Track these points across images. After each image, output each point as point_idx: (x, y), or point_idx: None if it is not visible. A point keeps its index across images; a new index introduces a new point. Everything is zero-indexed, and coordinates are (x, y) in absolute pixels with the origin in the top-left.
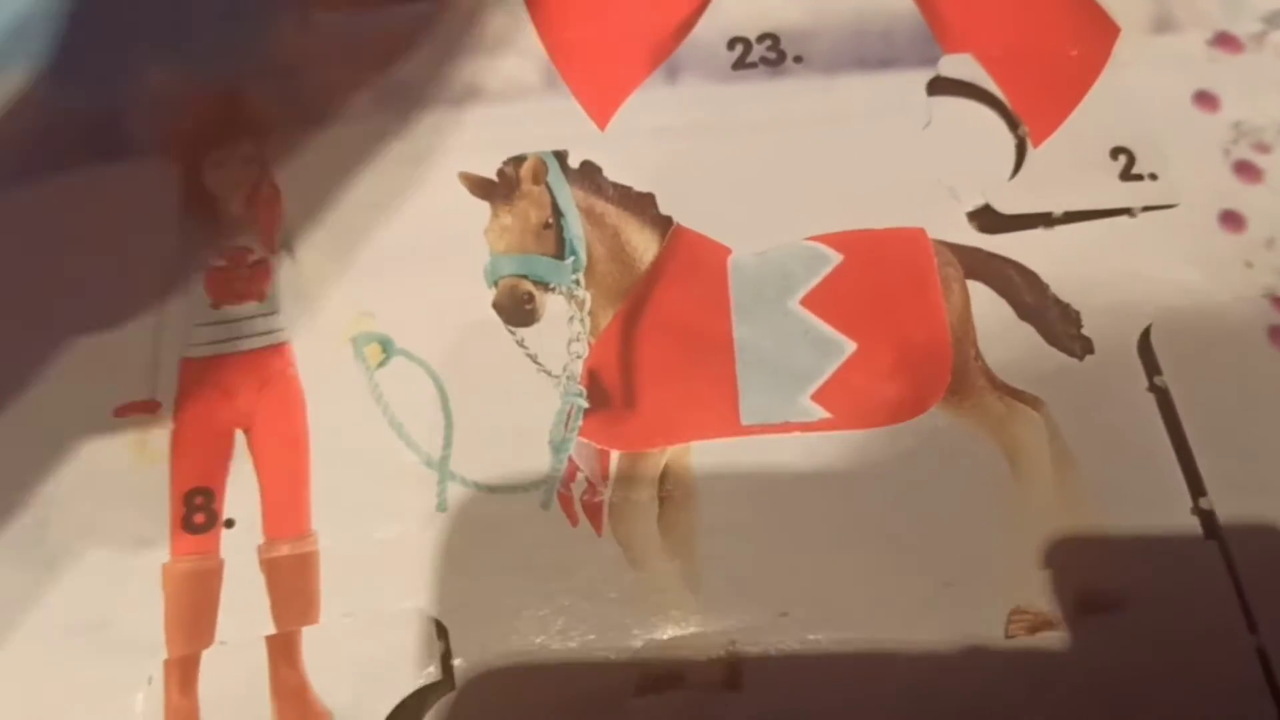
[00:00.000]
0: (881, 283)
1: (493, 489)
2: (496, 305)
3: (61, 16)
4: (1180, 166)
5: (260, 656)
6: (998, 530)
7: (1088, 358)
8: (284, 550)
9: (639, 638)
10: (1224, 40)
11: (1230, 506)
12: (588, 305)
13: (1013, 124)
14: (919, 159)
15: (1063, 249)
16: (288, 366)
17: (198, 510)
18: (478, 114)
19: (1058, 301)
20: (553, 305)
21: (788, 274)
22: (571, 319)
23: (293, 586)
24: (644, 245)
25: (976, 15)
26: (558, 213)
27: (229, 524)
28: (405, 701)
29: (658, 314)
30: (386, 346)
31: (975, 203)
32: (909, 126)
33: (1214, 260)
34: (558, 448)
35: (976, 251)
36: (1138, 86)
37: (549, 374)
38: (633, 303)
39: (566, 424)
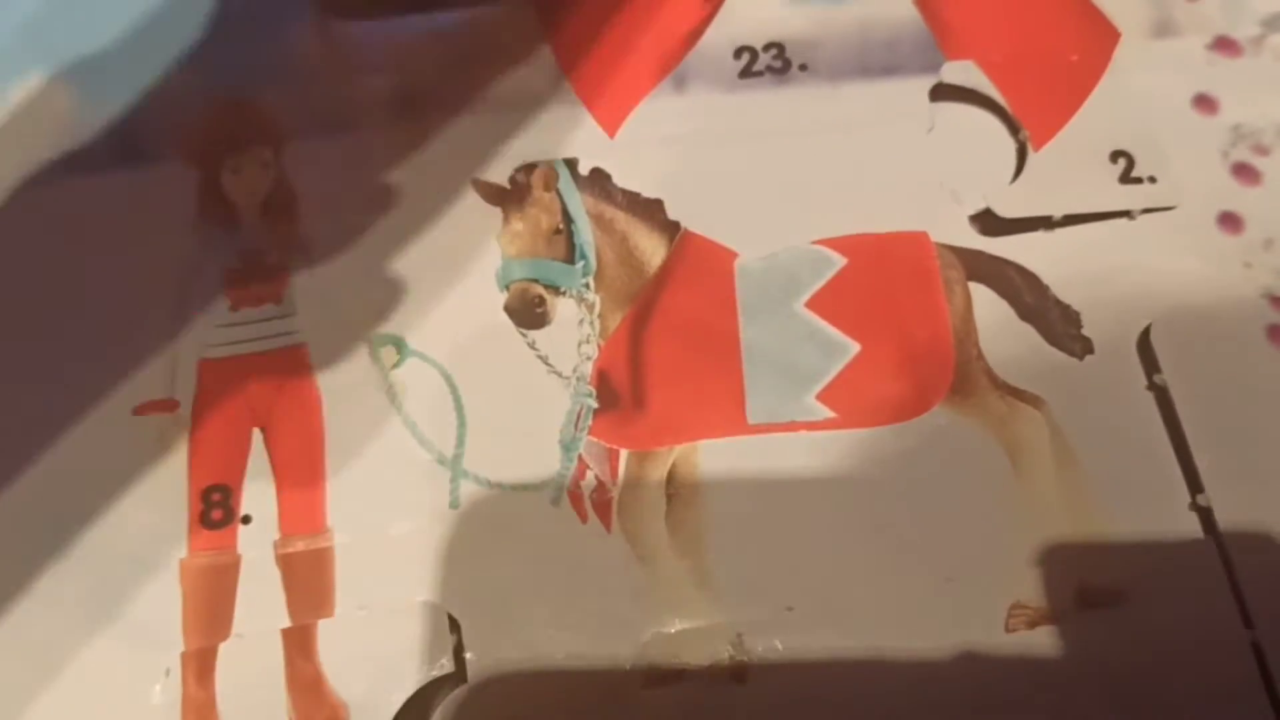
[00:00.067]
0: (885, 285)
1: (504, 487)
2: (508, 308)
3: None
4: (1179, 169)
5: (276, 649)
6: (999, 527)
7: (1088, 357)
8: (299, 546)
9: (647, 632)
10: (1223, 44)
11: (1227, 503)
12: (597, 308)
13: (1014, 129)
14: (922, 164)
15: (1063, 251)
16: (304, 367)
17: (215, 506)
18: (490, 122)
19: (1058, 302)
20: (563, 308)
21: (793, 277)
22: (581, 322)
23: (308, 581)
24: (652, 250)
25: (979, 23)
26: (568, 218)
27: (246, 520)
28: (418, 693)
29: (666, 316)
30: (401, 348)
31: (977, 206)
32: (912, 132)
33: (1213, 261)
34: (568, 447)
35: (978, 254)
36: (1137, 90)
37: (559, 375)
38: (641, 306)
39: (576, 424)
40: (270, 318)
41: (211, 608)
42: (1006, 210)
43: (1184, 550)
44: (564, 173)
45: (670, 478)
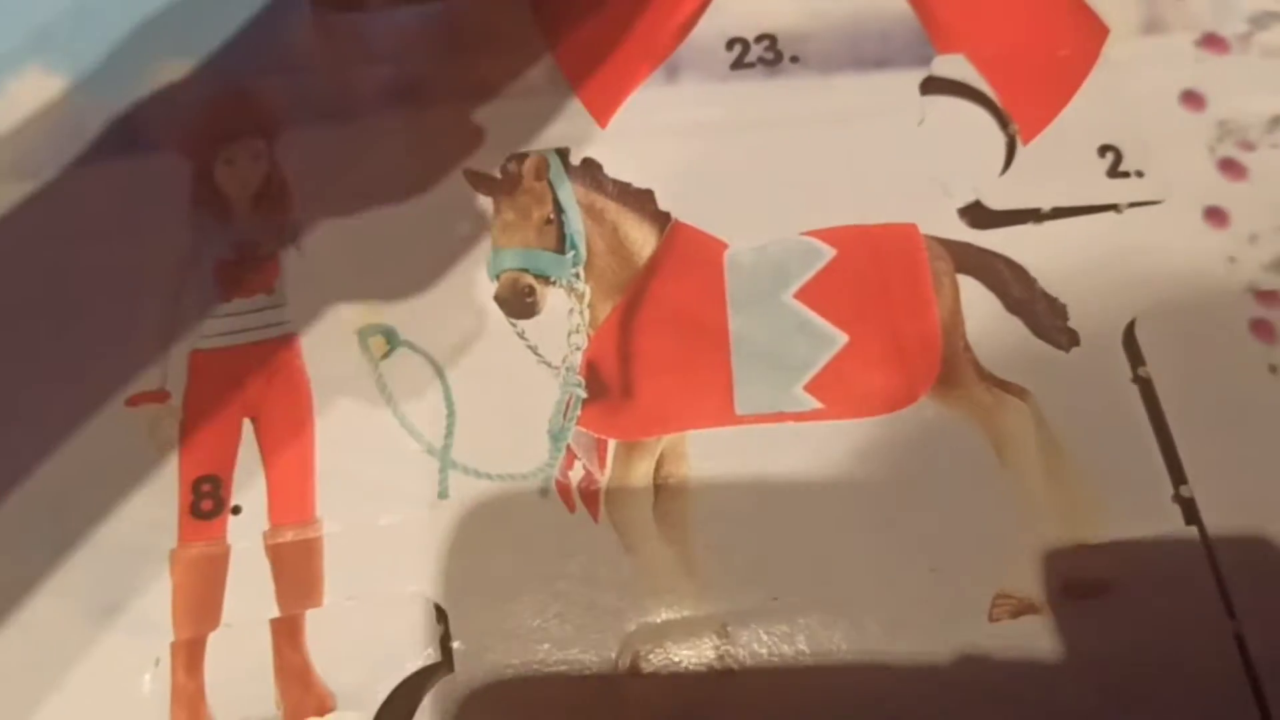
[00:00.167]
0: (874, 277)
1: (493, 477)
2: (498, 298)
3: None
4: (1166, 164)
5: (264, 639)
6: (984, 517)
7: (1074, 349)
8: (289, 536)
9: (633, 621)
10: (1211, 41)
11: (1211, 495)
12: (587, 298)
13: (1003, 122)
14: (912, 157)
15: (1051, 244)
16: (295, 358)
17: (205, 497)
18: (482, 112)
19: (1045, 295)
20: (553, 298)
21: (782, 268)
22: (571, 312)
23: (297, 571)
24: (643, 240)
25: (970, 17)
26: (559, 208)
27: (236, 510)
28: (405, 683)
29: (656, 307)
30: (391, 338)
31: (966, 199)
32: (903, 125)
33: (1198, 255)
34: (556, 437)
35: (967, 246)
36: (1126, 86)
37: (549, 365)
38: (631, 296)
39: (565, 413)
40: (261, 308)
41: (201, 598)
42: (995, 203)
43: (1167, 541)
44: (555, 163)
45: (658, 468)
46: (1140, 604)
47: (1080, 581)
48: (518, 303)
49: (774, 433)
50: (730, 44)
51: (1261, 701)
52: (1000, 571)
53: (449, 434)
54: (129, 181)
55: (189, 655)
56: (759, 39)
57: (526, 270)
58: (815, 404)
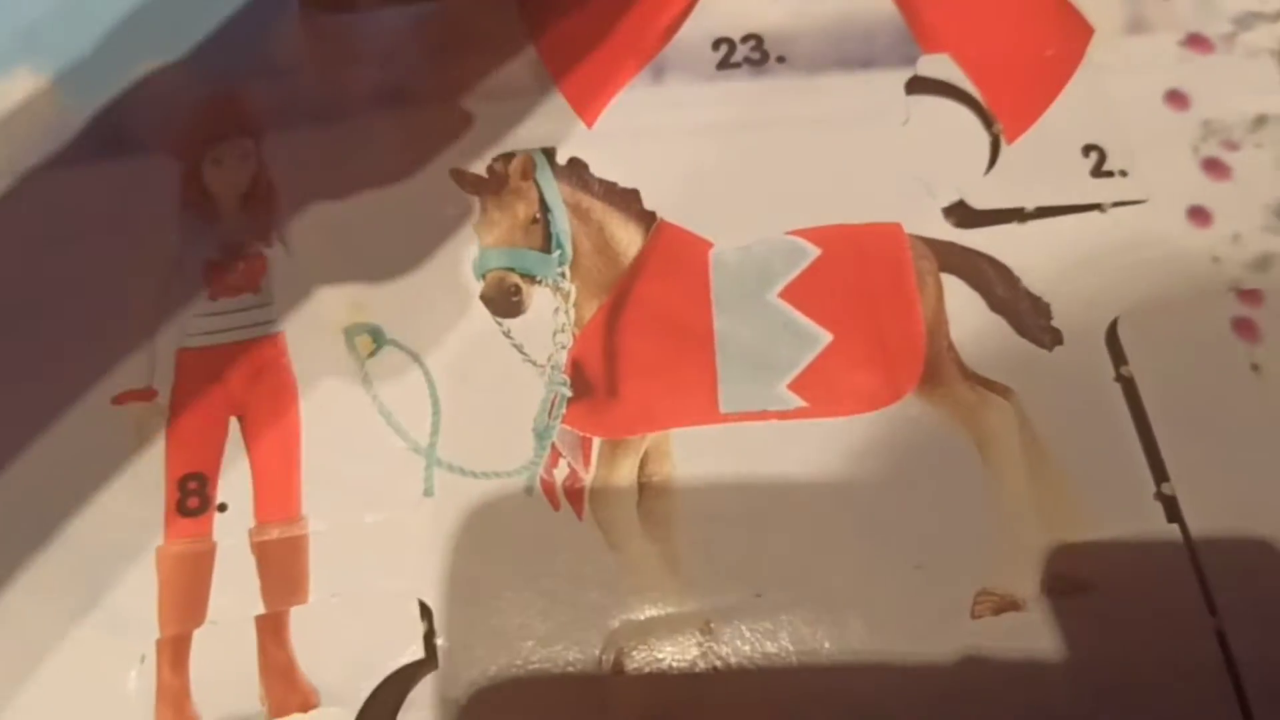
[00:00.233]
0: (858, 276)
1: (478, 475)
2: (484, 297)
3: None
4: (1150, 164)
5: (249, 636)
6: (967, 515)
7: (1057, 348)
8: (274, 534)
9: (617, 618)
10: (1195, 41)
11: (1192, 493)
12: (573, 297)
13: (988, 122)
14: (897, 156)
15: (1035, 243)
16: (281, 356)
17: (191, 495)
18: (469, 112)
19: (1029, 294)
20: (539, 297)
21: (767, 267)
22: (557, 311)
23: (282, 569)
24: (628, 240)
25: (955, 17)
26: (545, 208)
27: (222, 508)
28: (389, 680)
29: (641, 306)
30: (377, 337)
31: (950, 198)
32: (888, 125)
33: (1181, 255)
34: (541, 435)
35: (951, 246)
36: (1110, 86)
37: (534, 364)
38: (617, 295)
39: (550, 412)
40: (248, 307)
41: (187, 595)
42: (980, 202)
43: (1149, 539)
44: (542, 162)
45: (642, 466)
46: (1122, 601)
47: (1062, 579)
48: (503, 302)
49: (758, 431)
50: (716, 44)
51: (1243, 699)
52: (983, 569)
53: (434, 432)
54: (117, 182)
55: (174, 652)
56: (745, 39)
57: (512, 269)
58: (799, 402)
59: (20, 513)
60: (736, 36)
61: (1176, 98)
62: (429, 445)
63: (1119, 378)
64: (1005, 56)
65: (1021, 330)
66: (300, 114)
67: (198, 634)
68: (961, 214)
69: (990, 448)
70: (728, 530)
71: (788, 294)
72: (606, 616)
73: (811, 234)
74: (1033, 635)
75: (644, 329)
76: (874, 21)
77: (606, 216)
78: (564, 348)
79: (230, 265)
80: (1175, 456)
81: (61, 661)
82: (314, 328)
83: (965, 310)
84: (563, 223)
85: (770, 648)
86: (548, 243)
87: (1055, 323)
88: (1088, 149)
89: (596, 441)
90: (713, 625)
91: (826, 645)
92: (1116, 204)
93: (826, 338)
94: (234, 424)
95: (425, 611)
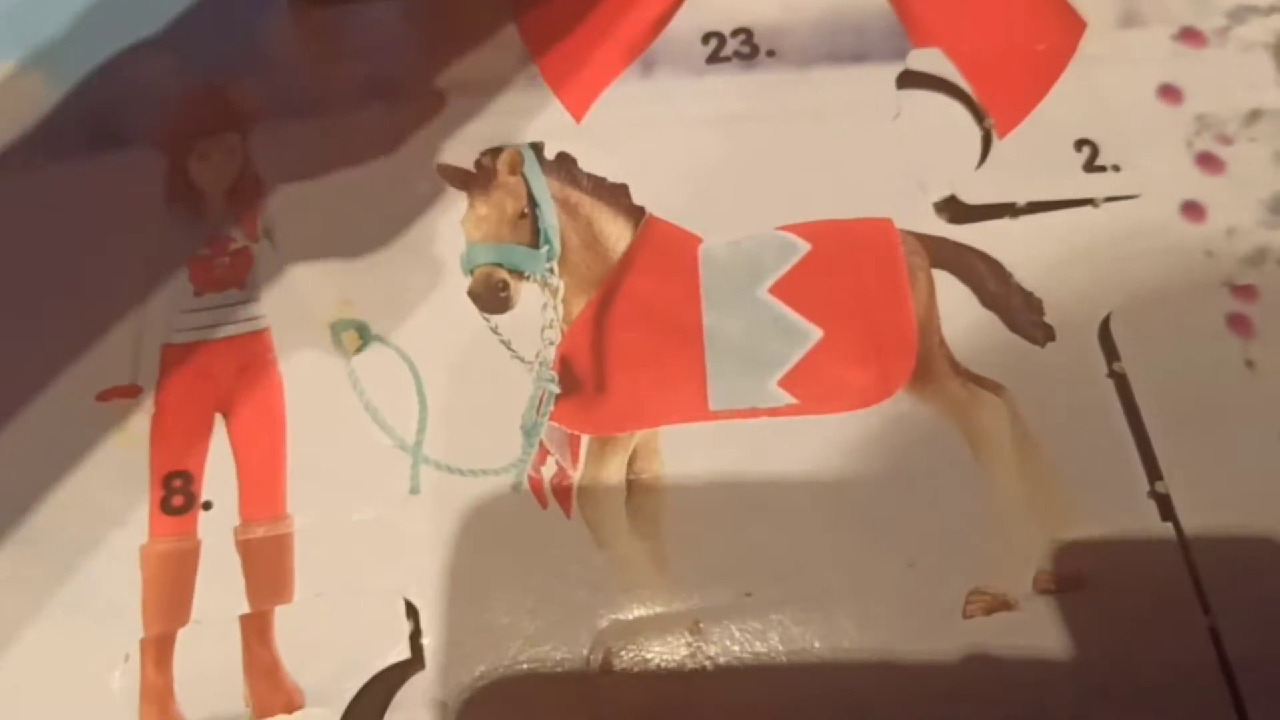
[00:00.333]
0: (849, 272)
1: (465, 472)
2: (472, 293)
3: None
4: (1143, 158)
5: (234, 635)
6: (959, 512)
7: (1049, 344)
8: (259, 532)
9: (605, 617)
10: (1189, 35)
11: (1186, 490)
12: (561, 293)
13: (979, 116)
14: (888, 151)
15: (1027, 238)
16: (267, 352)
17: (176, 493)
18: (456, 106)
19: (1021, 290)
20: (527, 293)
21: (757, 263)
22: (545, 306)
23: (267, 567)
24: (617, 235)
25: (946, 11)
26: (533, 203)
27: (206, 506)
28: (374, 680)
29: (629, 302)
30: (363, 333)
31: (942, 193)
32: (878, 119)
33: (1175, 250)
34: (529, 432)
35: (943, 241)
36: (1103, 80)
37: (522, 360)
38: (605, 291)
39: (538, 409)
40: (234, 303)
41: (171, 594)
42: (971, 197)
43: (1143, 537)
44: (530, 157)
45: (631, 463)
46: (1115, 599)
47: (1055, 577)
48: (491, 298)
49: (748, 428)
50: (706, 38)
51: (1236, 696)
52: (975, 567)
53: (421, 429)
54: (101, 176)
55: (158, 651)
56: (735, 33)
57: (500, 265)
58: (789, 399)
59: (4, 510)
60: (726, 30)
61: (1170, 92)
62: (415, 443)
63: (1112, 374)
64: (997, 51)
65: (1014, 326)
66: (287, 108)
67: (182, 633)
68: (953, 209)
69: (982, 445)
70: (717, 528)
71: (778, 290)
72: (595, 615)
73: (802, 229)
74: (1025, 634)
75: (633, 325)
76: (865, 15)
77: (595, 211)
78: (552, 344)
79: (216, 260)
80: (1169, 454)
81: (45, 660)
82: (300, 323)
83: (957, 306)
84: (551, 218)
85: (759, 647)
86: (536, 238)
87: (1048, 319)
88: (1080, 143)
89: (585, 439)
90: (702, 625)
91: (817, 645)
92: (1109, 199)
93: (817, 334)
94: (219, 421)
95: (412, 611)
